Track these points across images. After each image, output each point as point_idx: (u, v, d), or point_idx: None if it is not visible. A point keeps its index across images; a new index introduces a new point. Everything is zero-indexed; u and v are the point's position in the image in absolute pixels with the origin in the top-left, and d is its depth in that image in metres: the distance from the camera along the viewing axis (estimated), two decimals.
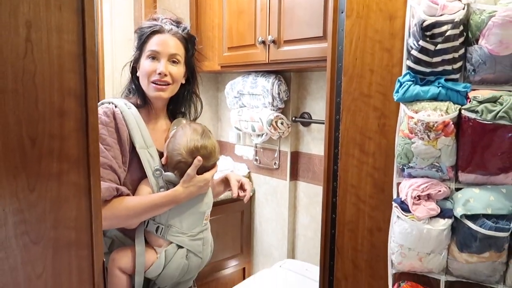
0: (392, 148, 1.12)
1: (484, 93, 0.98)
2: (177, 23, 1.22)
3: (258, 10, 1.90)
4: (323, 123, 1.37)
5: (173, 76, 1.17)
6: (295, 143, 2.20)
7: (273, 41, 1.82)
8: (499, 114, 0.92)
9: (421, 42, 1.00)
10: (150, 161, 1.13)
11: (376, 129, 1.20)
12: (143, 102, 1.21)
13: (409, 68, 1.06)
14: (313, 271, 1.92)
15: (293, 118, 2.13)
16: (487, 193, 1.00)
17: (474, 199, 1.00)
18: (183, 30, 1.22)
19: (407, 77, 1.06)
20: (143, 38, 1.17)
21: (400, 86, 1.06)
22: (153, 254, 1.12)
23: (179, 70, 1.19)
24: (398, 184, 1.12)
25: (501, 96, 0.94)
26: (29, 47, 0.63)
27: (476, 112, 0.96)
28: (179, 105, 1.31)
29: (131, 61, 1.23)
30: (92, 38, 0.70)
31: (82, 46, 0.69)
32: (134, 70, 1.23)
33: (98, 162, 0.73)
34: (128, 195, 1.10)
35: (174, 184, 1.14)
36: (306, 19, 1.68)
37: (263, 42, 1.87)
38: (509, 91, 0.98)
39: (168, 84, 1.17)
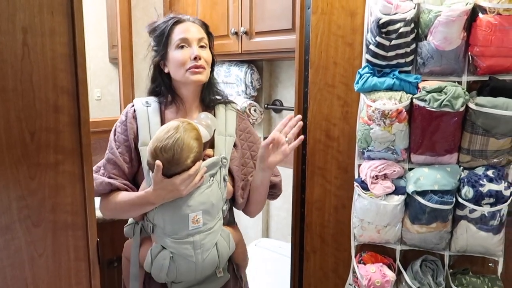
0: (354, 133, 1.24)
1: (432, 83, 1.10)
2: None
3: (231, 2, 1.97)
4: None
5: (206, 59, 1.16)
6: (267, 129, 2.30)
7: (245, 32, 1.90)
8: (443, 103, 1.06)
9: (378, 38, 1.11)
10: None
11: (340, 116, 1.31)
12: (172, 99, 1.19)
13: (367, 61, 1.18)
14: (286, 248, 2.05)
15: (266, 105, 2.23)
16: (434, 171, 1.14)
17: (424, 177, 1.14)
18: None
19: (366, 69, 1.17)
20: (166, 31, 1.15)
21: (360, 77, 1.18)
22: (148, 249, 1.11)
23: (208, 54, 1.18)
24: (359, 165, 1.25)
25: (445, 86, 1.07)
26: (26, 50, 0.70)
27: (425, 100, 1.09)
28: (209, 93, 1.25)
29: (155, 61, 1.19)
30: (82, 39, 0.77)
31: (72, 47, 0.76)
32: (158, 69, 1.20)
33: (90, 153, 0.81)
34: (126, 190, 1.12)
35: None
36: (276, 13, 1.76)
37: (236, 33, 1.94)
38: (453, 81, 1.11)
39: (204, 68, 1.16)
